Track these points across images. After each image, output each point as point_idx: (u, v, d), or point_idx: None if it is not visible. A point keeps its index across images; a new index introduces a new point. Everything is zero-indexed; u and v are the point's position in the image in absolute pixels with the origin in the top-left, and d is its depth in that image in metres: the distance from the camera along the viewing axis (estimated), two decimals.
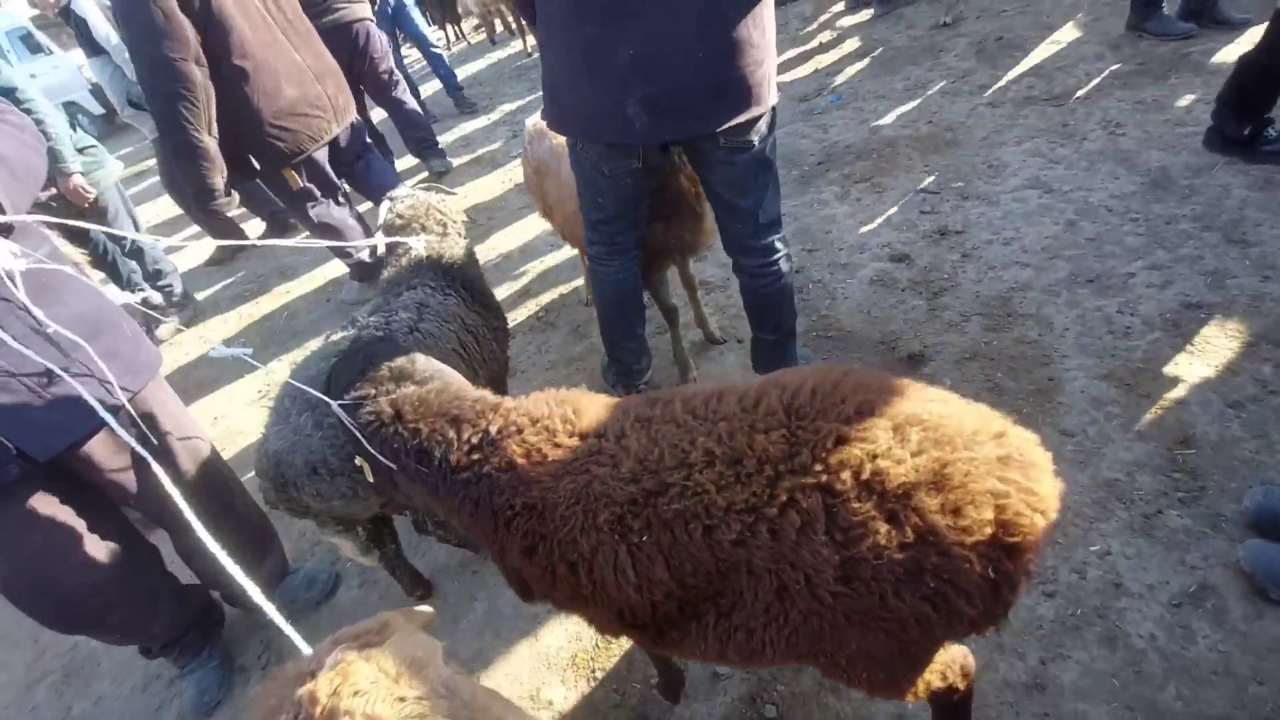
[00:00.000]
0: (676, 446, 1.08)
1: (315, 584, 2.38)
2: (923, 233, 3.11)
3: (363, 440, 1.36)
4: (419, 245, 2.20)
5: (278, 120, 3.05)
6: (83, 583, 1.88)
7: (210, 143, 2.89)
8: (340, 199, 3.55)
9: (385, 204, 2.37)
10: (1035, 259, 2.74)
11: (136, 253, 4.53)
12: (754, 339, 2.43)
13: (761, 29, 1.72)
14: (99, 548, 1.91)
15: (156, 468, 0.99)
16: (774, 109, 1.88)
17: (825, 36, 5.56)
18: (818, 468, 0.96)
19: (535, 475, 1.20)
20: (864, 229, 3.27)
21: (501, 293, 3.75)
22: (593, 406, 1.30)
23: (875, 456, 0.95)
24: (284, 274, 4.94)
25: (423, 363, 1.42)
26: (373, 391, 1.35)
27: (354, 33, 4.62)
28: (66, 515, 1.84)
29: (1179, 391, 2.10)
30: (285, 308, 4.53)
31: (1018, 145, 3.44)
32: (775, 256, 2.15)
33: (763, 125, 1.87)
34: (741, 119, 1.78)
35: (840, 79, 4.82)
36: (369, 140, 3.78)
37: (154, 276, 4.64)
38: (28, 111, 3.53)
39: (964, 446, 0.96)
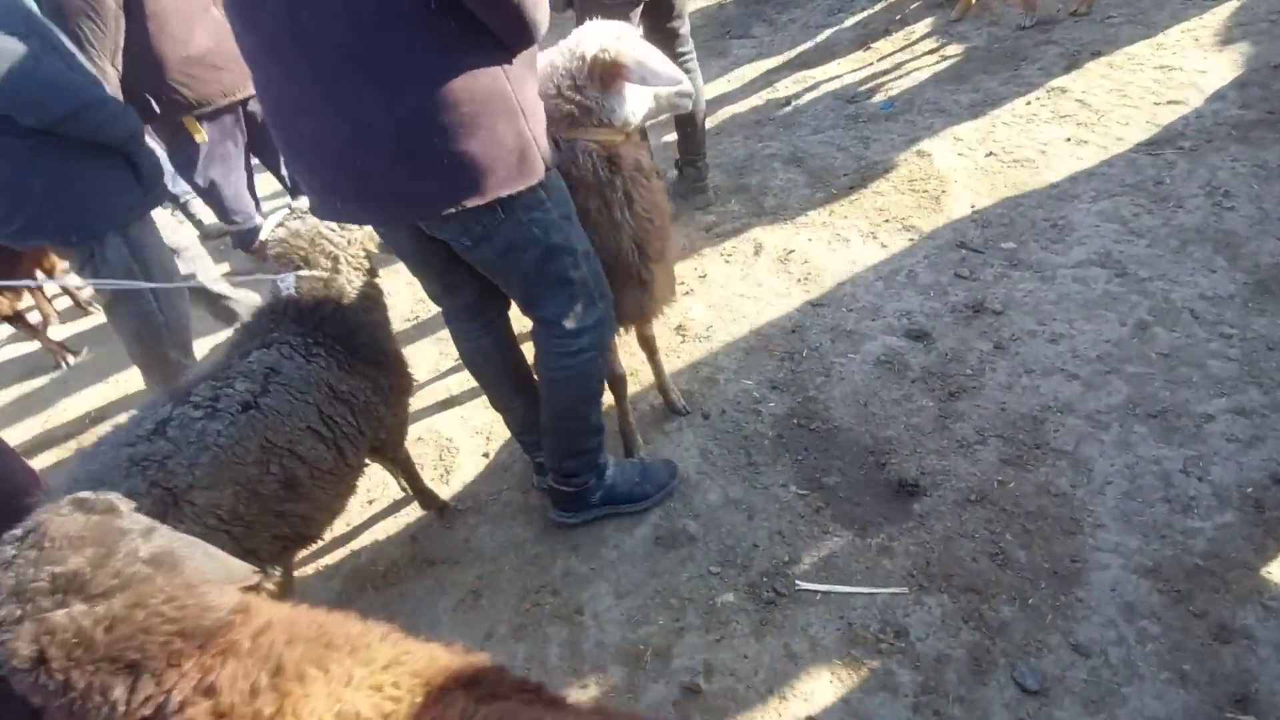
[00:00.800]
0: None
1: None
2: (953, 304, 2.50)
3: None
4: (287, 284, 1.73)
5: (186, 67, 2.75)
6: None
7: (112, 73, 2.59)
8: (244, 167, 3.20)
9: (275, 217, 1.90)
10: (1087, 370, 2.14)
11: None
12: None
13: (404, 133, 1.33)
14: None
15: None
16: (500, 209, 1.47)
17: (891, 25, 4.75)
18: None
19: None
20: (884, 285, 2.67)
21: None
22: (310, 705, 0.85)
23: None
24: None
25: (121, 561, 0.96)
26: (18, 613, 0.91)
27: None
28: None
29: (1246, 615, 1.53)
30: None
31: (1093, 202, 2.76)
32: (561, 350, 1.74)
33: (475, 227, 1.50)
34: (411, 219, 1.53)
35: (898, 81, 4.07)
36: None
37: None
38: None
39: None
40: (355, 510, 2.38)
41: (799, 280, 2.83)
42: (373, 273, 1.93)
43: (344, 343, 1.76)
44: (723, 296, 2.86)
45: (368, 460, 1.91)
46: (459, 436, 2.58)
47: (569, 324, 1.69)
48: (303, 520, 1.66)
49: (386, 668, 0.94)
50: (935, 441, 2.06)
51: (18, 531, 0.98)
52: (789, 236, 3.09)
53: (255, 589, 1.17)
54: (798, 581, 1.82)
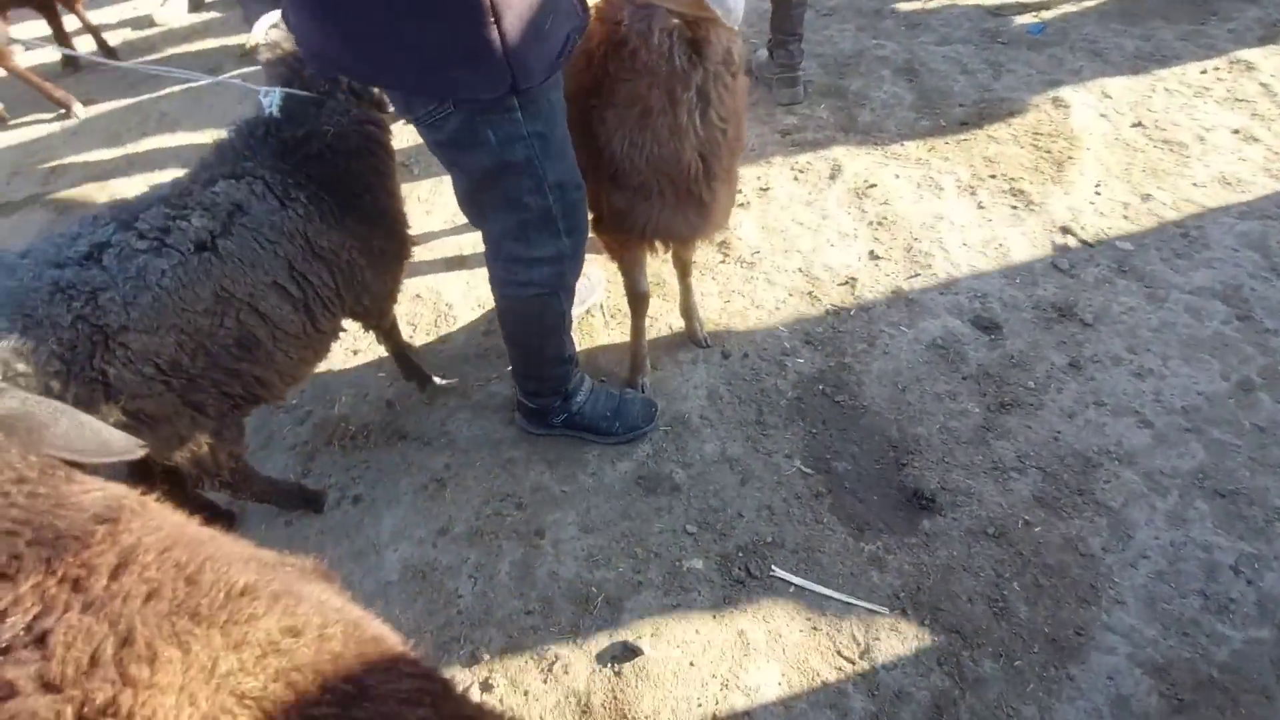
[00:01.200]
0: None
1: None
2: (1038, 299, 2.13)
3: None
4: (271, 101, 1.40)
5: None
6: None
7: None
8: None
9: (270, 16, 1.51)
10: (1165, 421, 1.82)
11: None
12: None
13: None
14: None
15: None
16: (450, 101, 1.22)
17: None
18: None
19: None
20: (966, 254, 2.28)
21: None
22: (154, 706, 0.67)
23: None
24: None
25: None
26: None
27: None
28: None
29: None
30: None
31: (1239, 219, 2.28)
32: (507, 277, 1.55)
33: (418, 109, 1.25)
34: (344, 76, 1.39)
35: (1058, 1, 3.34)
36: None
37: None
38: None
39: None
40: (338, 356, 2.19)
41: (871, 223, 2.43)
42: (381, 105, 1.58)
43: (331, 190, 1.46)
44: (780, 220, 2.47)
45: (345, 326, 1.68)
46: (460, 305, 2.33)
47: (515, 248, 1.45)
48: (259, 382, 1.46)
49: (262, 656, 0.75)
50: (968, 455, 1.81)
51: None
52: (874, 166, 2.63)
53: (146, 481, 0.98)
54: (774, 567, 1.65)
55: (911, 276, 2.24)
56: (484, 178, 1.35)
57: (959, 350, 2.03)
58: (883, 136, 2.75)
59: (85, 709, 0.65)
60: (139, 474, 1.57)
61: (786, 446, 1.87)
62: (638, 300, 1.86)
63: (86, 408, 1.22)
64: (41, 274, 1.18)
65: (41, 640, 0.70)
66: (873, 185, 2.55)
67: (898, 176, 2.58)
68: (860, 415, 1.92)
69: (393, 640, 0.92)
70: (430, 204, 2.72)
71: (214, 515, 1.78)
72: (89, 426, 0.89)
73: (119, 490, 0.86)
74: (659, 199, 1.47)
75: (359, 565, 1.75)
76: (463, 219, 2.61)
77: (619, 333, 2.19)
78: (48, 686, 0.67)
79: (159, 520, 0.87)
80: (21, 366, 1.16)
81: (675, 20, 1.21)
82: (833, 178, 2.60)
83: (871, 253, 2.33)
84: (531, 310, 1.58)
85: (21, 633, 0.71)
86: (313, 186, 1.42)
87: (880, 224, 2.42)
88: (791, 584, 1.63)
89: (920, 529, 1.69)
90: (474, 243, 2.54)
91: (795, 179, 2.63)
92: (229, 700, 0.69)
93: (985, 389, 1.94)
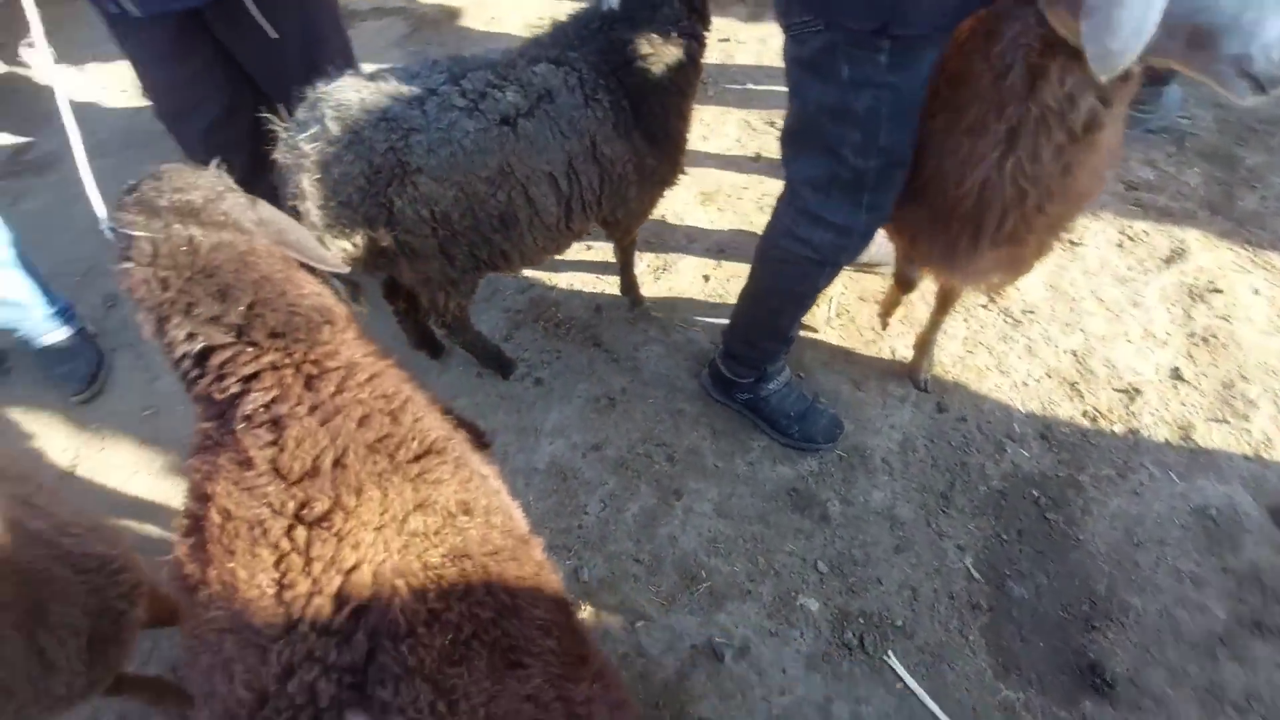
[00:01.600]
0: None
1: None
2: None
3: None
4: None
5: None
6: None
7: None
8: None
9: None
10: None
11: None
12: None
13: None
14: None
15: None
16: (823, 20, 1.09)
17: None
18: None
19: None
20: None
21: None
22: (355, 539, 0.73)
23: None
24: None
25: (229, 205, 0.93)
26: (142, 219, 0.90)
27: None
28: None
29: None
30: None
31: None
32: (787, 227, 1.39)
33: (793, 18, 1.14)
34: None
35: None
36: None
37: None
38: None
39: None
40: (575, 248, 2.24)
41: (1193, 334, 1.93)
42: (706, 19, 1.46)
43: (633, 101, 1.41)
44: (1077, 286, 2.05)
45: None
46: (699, 240, 2.27)
47: (811, 201, 1.31)
48: (504, 255, 1.53)
49: (442, 528, 0.77)
50: (1182, 658, 1.45)
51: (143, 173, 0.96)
52: (1230, 267, 2.06)
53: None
54: (890, 652, 1.49)
55: (1215, 419, 1.76)
56: (818, 115, 1.22)
57: (1233, 534, 1.59)
58: (1261, 236, 2.13)
59: (305, 510, 0.72)
60: (390, 289, 1.75)
61: (964, 537, 1.63)
62: (900, 287, 1.70)
63: (369, 226, 1.35)
64: (380, 102, 1.28)
65: (276, 425, 0.78)
66: (1217, 290, 2.01)
67: (1257, 292, 2.00)
68: (1069, 547, 1.61)
69: (538, 547, 0.92)
70: (710, 130, 2.62)
71: (429, 342, 1.97)
72: (313, 239, 1.02)
73: (332, 299, 0.96)
74: (920, 210, 1.24)
75: (517, 440, 1.85)
76: (734, 152, 2.50)
77: (837, 335, 2.00)
78: (278, 473, 0.75)
79: (365, 343, 0.95)
80: (336, 173, 1.29)
81: (1037, 32, 0.91)
82: (1168, 262, 2.08)
83: (1176, 370, 1.86)
84: (792, 272, 1.45)
85: (261, 409, 0.80)
86: (619, 93, 1.39)
87: (1204, 341, 1.91)
88: (902, 681, 1.45)
89: (1079, 707, 1.41)
90: (736, 182, 2.42)
91: (1119, 245, 2.14)
92: (415, 564, 0.73)
93: (1246, 595, 1.51)
